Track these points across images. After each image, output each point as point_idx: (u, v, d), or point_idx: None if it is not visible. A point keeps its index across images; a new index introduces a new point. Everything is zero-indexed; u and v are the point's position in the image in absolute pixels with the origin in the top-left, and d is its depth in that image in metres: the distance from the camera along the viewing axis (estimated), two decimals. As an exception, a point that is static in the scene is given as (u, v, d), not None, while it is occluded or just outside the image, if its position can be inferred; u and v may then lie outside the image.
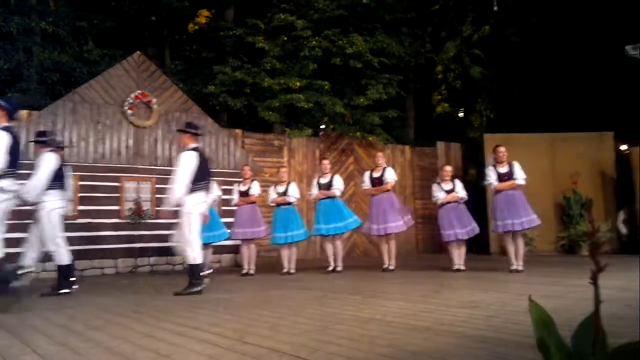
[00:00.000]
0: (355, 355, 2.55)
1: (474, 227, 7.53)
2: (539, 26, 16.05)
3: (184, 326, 3.57)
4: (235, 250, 9.84)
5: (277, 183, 8.23)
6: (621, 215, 10.86)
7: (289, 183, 8.18)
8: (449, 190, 7.59)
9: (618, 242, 11.06)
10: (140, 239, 9.45)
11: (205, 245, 7.89)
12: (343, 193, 8.31)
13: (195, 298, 5.31)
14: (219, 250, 9.93)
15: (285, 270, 7.89)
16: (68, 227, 8.77)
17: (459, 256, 7.51)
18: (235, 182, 8.39)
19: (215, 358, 2.60)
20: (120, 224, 9.32)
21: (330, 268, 7.92)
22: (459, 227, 7.45)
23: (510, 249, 7.15)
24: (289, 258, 8.01)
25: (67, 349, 2.94)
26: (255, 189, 8.14)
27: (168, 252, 9.46)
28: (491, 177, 7.20)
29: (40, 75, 12.11)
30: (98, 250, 9.08)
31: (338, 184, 8.08)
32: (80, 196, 8.99)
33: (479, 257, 10.09)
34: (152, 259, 9.56)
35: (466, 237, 7.52)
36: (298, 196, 8.22)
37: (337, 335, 3.07)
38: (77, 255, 8.82)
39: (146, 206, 9.53)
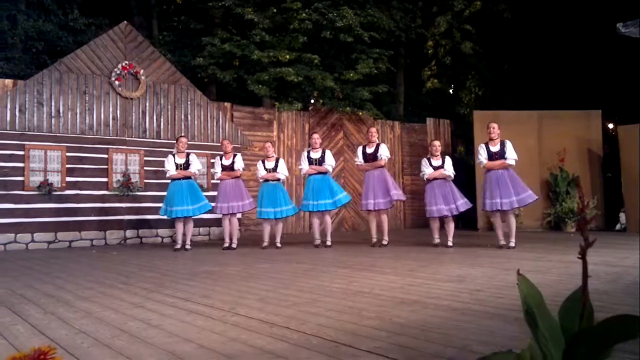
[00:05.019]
0: (344, 327, 2.59)
1: (459, 205, 7.45)
2: (531, 3, 15.97)
3: (174, 297, 3.59)
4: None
5: (264, 158, 8.12)
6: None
7: (277, 159, 8.10)
8: (438, 166, 7.58)
9: (603, 219, 11.23)
10: (129, 211, 9.42)
11: (186, 219, 7.87)
12: (333, 169, 8.25)
13: (185, 270, 5.33)
14: (208, 223, 9.95)
15: (265, 245, 7.84)
16: (56, 199, 8.77)
17: (447, 233, 7.56)
18: (218, 155, 8.28)
19: (206, 329, 2.63)
20: (109, 196, 9.27)
21: (317, 243, 7.92)
22: (443, 204, 7.43)
23: (498, 227, 7.19)
24: (271, 233, 8.03)
25: (58, 319, 2.95)
26: (240, 162, 8.05)
27: (157, 224, 9.48)
28: (482, 155, 7.18)
29: (24, 44, 11.86)
30: (86, 222, 9.05)
31: (330, 160, 8.04)
32: (68, 167, 8.92)
33: (466, 232, 10.20)
34: (141, 231, 9.55)
35: (449, 215, 7.47)
36: (287, 174, 8.21)
37: (326, 308, 3.11)
38: (65, 227, 8.84)
39: (135, 178, 9.48)
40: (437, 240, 7.55)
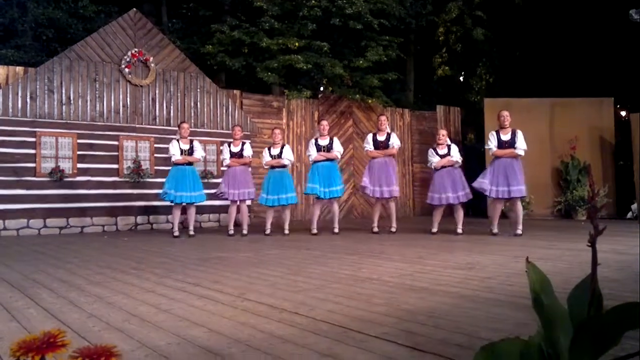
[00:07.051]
0: (352, 313, 2.61)
1: (467, 193, 7.48)
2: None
3: (184, 282, 3.63)
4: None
5: (271, 145, 8.13)
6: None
7: (283, 145, 8.12)
8: (444, 154, 7.59)
9: (614, 207, 11.16)
10: (140, 197, 9.49)
11: (189, 205, 7.93)
12: (342, 156, 8.26)
13: (195, 256, 5.37)
14: (218, 210, 10.00)
15: (268, 232, 7.85)
16: (67, 185, 8.85)
17: (456, 220, 7.55)
18: (226, 142, 8.30)
19: (216, 314, 2.65)
20: (120, 183, 9.34)
21: (314, 231, 7.83)
22: (451, 192, 7.44)
23: (497, 214, 7.24)
24: (275, 220, 8.02)
25: (70, 303, 2.99)
26: (248, 150, 8.07)
27: (167, 210, 9.54)
28: (491, 142, 7.16)
29: (35, 31, 11.91)
30: (97, 208, 9.13)
31: (338, 147, 8.05)
32: (79, 154, 8.98)
33: (476, 220, 10.17)
34: (152, 217, 9.63)
35: (457, 202, 7.49)
36: (292, 159, 8.20)
37: (334, 294, 3.12)
38: (76, 212, 8.93)
39: (145, 165, 9.54)
40: (435, 229, 7.56)
